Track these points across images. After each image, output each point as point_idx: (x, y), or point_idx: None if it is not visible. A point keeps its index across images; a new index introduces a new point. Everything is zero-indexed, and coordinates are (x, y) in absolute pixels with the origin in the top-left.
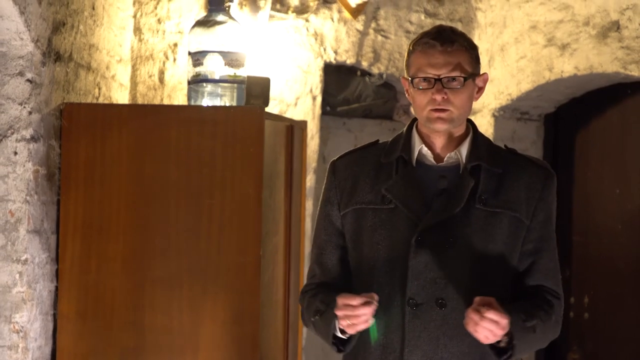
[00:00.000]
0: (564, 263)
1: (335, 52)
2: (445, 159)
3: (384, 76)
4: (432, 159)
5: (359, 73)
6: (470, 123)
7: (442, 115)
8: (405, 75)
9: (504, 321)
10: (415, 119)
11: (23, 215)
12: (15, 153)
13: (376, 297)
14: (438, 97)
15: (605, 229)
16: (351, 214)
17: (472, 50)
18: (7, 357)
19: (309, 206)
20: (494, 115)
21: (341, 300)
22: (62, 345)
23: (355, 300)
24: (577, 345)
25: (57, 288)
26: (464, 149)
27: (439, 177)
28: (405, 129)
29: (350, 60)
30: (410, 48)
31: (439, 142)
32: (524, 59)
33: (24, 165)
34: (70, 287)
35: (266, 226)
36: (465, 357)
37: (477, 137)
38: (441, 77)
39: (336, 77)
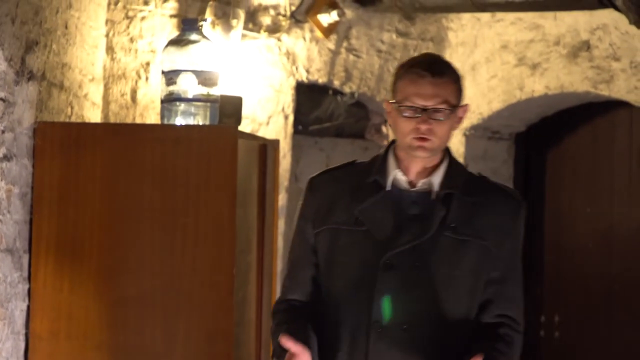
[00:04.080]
0: (535, 281)
1: (307, 71)
2: (418, 185)
3: (356, 95)
4: (406, 184)
5: (330, 92)
6: (447, 150)
7: (424, 144)
8: (390, 99)
9: None
10: (392, 142)
11: None
12: None
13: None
14: (423, 127)
15: (576, 248)
16: (325, 232)
17: (458, 82)
18: None
19: (281, 225)
20: (465, 135)
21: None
22: None
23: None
24: None
25: (28, 307)
26: (438, 177)
27: (411, 202)
28: (383, 151)
29: (322, 79)
30: (400, 73)
31: (414, 168)
32: (495, 78)
33: None
34: (42, 306)
35: (240, 244)
36: None
37: (452, 165)
38: (428, 108)
39: (308, 96)
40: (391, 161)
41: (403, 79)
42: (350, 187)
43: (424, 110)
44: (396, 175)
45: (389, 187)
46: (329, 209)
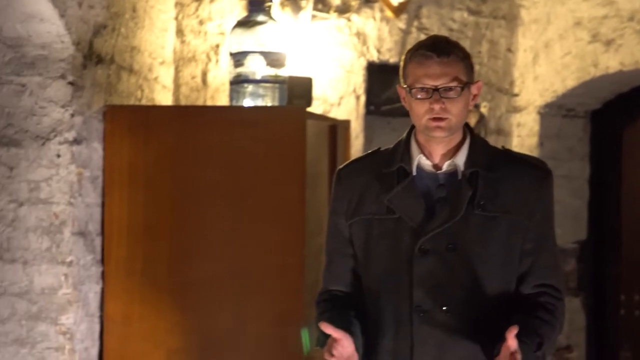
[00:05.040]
0: (614, 260)
1: (378, 51)
2: (443, 167)
3: None
4: (431, 168)
5: None
6: (467, 128)
7: (441, 124)
8: (402, 85)
9: None
10: (412, 127)
11: (67, 217)
12: (59, 155)
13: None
14: (436, 107)
15: None
16: (358, 223)
17: (466, 59)
18: (54, 359)
19: None
20: (539, 113)
21: (326, 353)
22: (108, 347)
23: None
24: (629, 343)
25: (102, 290)
26: (461, 156)
27: (438, 185)
28: (404, 136)
29: (393, 59)
30: (407, 58)
31: (436, 150)
32: (569, 55)
33: (67, 168)
34: (115, 289)
35: (309, 226)
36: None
37: (474, 142)
38: (438, 87)
39: (379, 76)
40: (414, 146)
41: (411, 63)
42: (377, 176)
43: (435, 90)
44: (420, 160)
45: (414, 172)
46: (360, 200)
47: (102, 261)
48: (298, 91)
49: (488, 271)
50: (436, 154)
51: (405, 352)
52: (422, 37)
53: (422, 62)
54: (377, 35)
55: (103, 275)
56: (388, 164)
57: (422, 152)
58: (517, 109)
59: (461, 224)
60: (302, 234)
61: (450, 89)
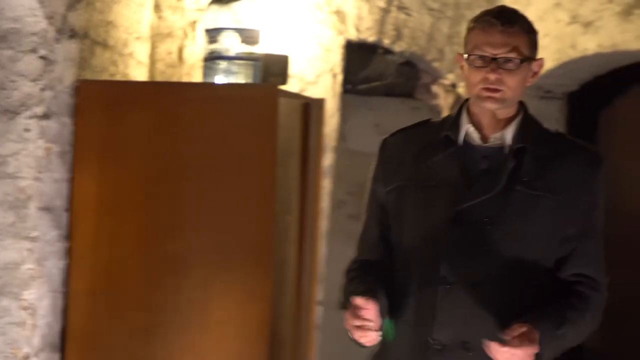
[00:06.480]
0: None
1: (357, 30)
2: (490, 139)
3: (407, 54)
4: (478, 139)
5: (380, 51)
6: (522, 105)
7: (495, 95)
8: (462, 52)
9: (533, 350)
10: (467, 100)
11: (34, 192)
12: (27, 130)
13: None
14: (492, 77)
15: (628, 210)
16: (395, 190)
17: (531, 34)
18: (15, 334)
19: (328, 184)
20: None
21: (349, 315)
22: (72, 322)
23: (357, 321)
24: None
25: (67, 266)
26: (510, 131)
27: (482, 157)
28: (457, 107)
29: (372, 38)
30: (471, 24)
31: (486, 122)
32: (548, 36)
33: (36, 142)
34: (81, 264)
35: (279, 204)
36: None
37: (527, 119)
38: (498, 56)
39: (357, 55)
40: (464, 117)
41: (474, 29)
42: (422, 144)
43: (494, 59)
44: (468, 130)
45: (460, 141)
46: (399, 166)
47: (69, 237)
48: (274, 69)
49: (523, 250)
50: (485, 126)
51: (426, 322)
52: (402, 16)
53: (485, 29)
54: (356, 14)
55: (69, 251)
56: (435, 133)
57: (472, 123)
58: None
59: (500, 198)
60: (273, 212)
61: (509, 60)
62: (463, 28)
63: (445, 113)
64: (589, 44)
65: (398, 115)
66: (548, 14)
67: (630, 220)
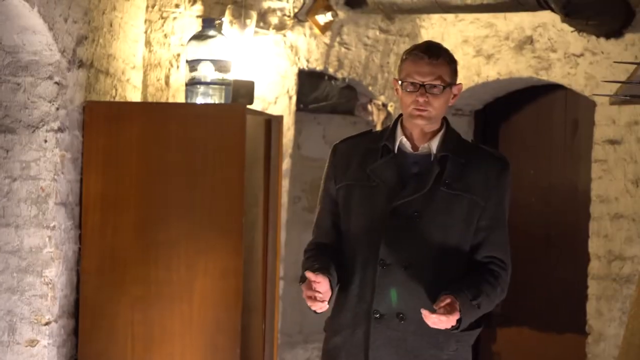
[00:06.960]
0: None
1: (308, 61)
2: (420, 148)
3: (347, 80)
4: (410, 148)
5: (326, 77)
6: (445, 120)
7: (423, 114)
8: (397, 78)
9: (455, 317)
10: (401, 115)
11: (52, 190)
12: (45, 141)
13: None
14: (421, 99)
15: (522, 202)
16: (344, 188)
17: (452, 64)
18: (39, 304)
19: (286, 184)
20: None
21: (304, 287)
22: (84, 295)
23: (309, 292)
24: None
25: (80, 249)
26: (436, 142)
27: (413, 163)
28: (393, 122)
29: (319, 67)
30: (404, 56)
31: (417, 134)
32: (458, 66)
33: (53, 151)
34: (91, 248)
35: (248, 199)
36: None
37: (448, 132)
38: (425, 83)
39: (308, 80)
40: (399, 130)
41: (406, 60)
42: (364, 151)
43: (422, 85)
44: (402, 141)
45: (395, 150)
46: (348, 169)
47: (80, 226)
48: (242, 92)
49: (445, 238)
50: (415, 138)
51: (368, 296)
52: (343, 50)
53: (415, 61)
54: (307, 48)
55: (80, 238)
56: (376, 142)
57: (405, 135)
58: None
59: (428, 196)
60: (242, 206)
61: (434, 86)
62: (392, 59)
63: (378, 127)
64: (491, 72)
65: (340, 129)
66: (458, 48)
67: (523, 208)
